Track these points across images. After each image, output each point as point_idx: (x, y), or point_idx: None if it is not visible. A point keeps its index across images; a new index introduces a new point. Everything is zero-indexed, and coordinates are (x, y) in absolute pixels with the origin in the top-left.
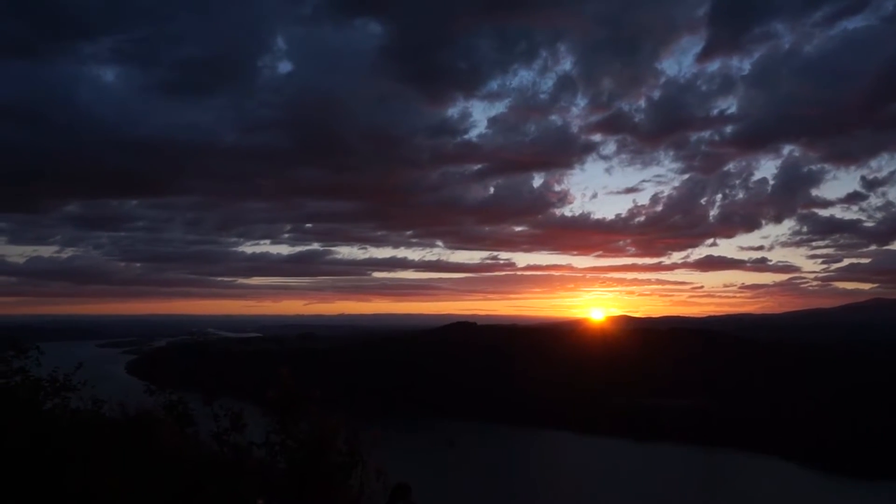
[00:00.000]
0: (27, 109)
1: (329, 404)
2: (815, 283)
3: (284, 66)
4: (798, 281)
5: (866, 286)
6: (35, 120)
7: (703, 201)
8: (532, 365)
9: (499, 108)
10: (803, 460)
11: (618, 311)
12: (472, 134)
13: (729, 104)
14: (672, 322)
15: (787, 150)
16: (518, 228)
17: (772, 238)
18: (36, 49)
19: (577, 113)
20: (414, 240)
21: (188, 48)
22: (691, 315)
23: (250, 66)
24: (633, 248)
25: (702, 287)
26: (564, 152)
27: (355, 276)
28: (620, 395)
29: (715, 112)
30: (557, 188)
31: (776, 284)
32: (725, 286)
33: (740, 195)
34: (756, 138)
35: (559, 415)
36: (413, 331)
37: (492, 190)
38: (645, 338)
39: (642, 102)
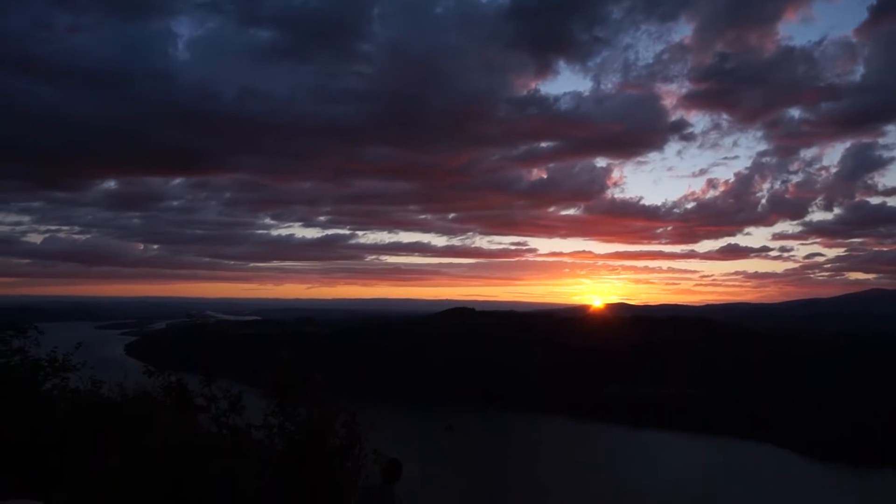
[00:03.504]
0: (103, 74)
1: (328, 387)
2: (825, 272)
3: (389, 30)
4: (810, 270)
5: (873, 276)
6: (109, 86)
7: (763, 187)
8: (528, 351)
9: (600, 79)
10: (801, 449)
11: (616, 299)
12: (560, 108)
13: (851, 76)
14: (670, 310)
15: (887, 129)
16: (564, 213)
17: (812, 226)
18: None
19: (675, 87)
20: (454, 224)
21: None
22: (689, 303)
23: (352, 29)
24: (668, 237)
25: (711, 275)
26: (648, 132)
27: (365, 261)
28: (616, 381)
29: (832, 83)
30: (617, 173)
31: (786, 273)
32: (736, 273)
33: (803, 180)
34: (859, 116)
35: (557, 400)
36: (412, 315)
37: (546, 174)
38: (641, 325)
39: (756, 71)
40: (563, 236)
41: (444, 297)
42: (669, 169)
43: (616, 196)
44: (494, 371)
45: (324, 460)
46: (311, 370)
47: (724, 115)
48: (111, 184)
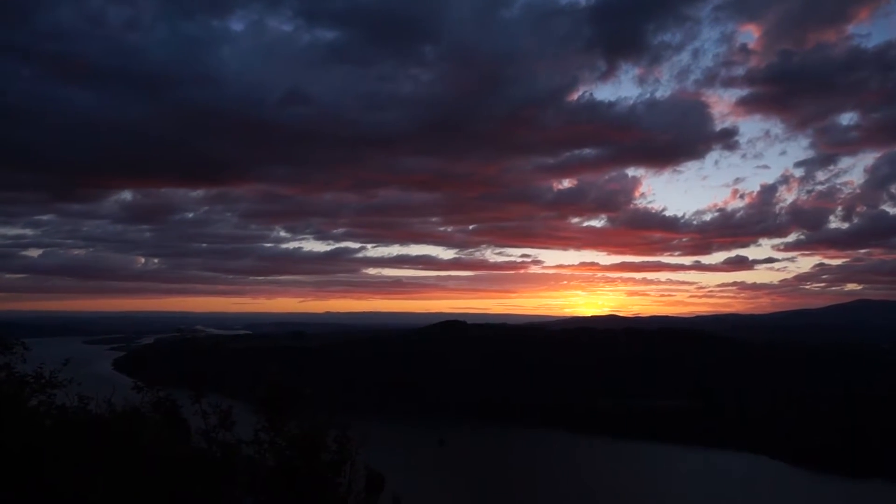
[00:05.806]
0: (150, 77)
1: (318, 402)
2: (819, 283)
3: (458, 33)
4: (805, 282)
5: (863, 286)
6: (153, 90)
7: (786, 198)
8: (519, 363)
9: (658, 84)
10: (792, 459)
11: (607, 310)
12: (613, 113)
13: None
14: (660, 321)
15: None
16: (586, 224)
17: (823, 237)
18: None
19: (733, 91)
20: (472, 236)
21: None
22: (680, 314)
23: (421, 31)
24: (682, 248)
25: (706, 287)
26: (694, 140)
27: (364, 274)
28: (609, 394)
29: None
30: (647, 183)
31: (780, 284)
32: (733, 284)
33: (826, 191)
34: None
35: (549, 414)
36: (403, 329)
37: (576, 184)
38: (631, 337)
39: (819, 71)
40: (578, 248)
41: (436, 311)
42: (704, 178)
43: (640, 206)
44: (485, 384)
45: (315, 476)
46: (302, 384)
47: (778, 121)
48: (127, 195)
